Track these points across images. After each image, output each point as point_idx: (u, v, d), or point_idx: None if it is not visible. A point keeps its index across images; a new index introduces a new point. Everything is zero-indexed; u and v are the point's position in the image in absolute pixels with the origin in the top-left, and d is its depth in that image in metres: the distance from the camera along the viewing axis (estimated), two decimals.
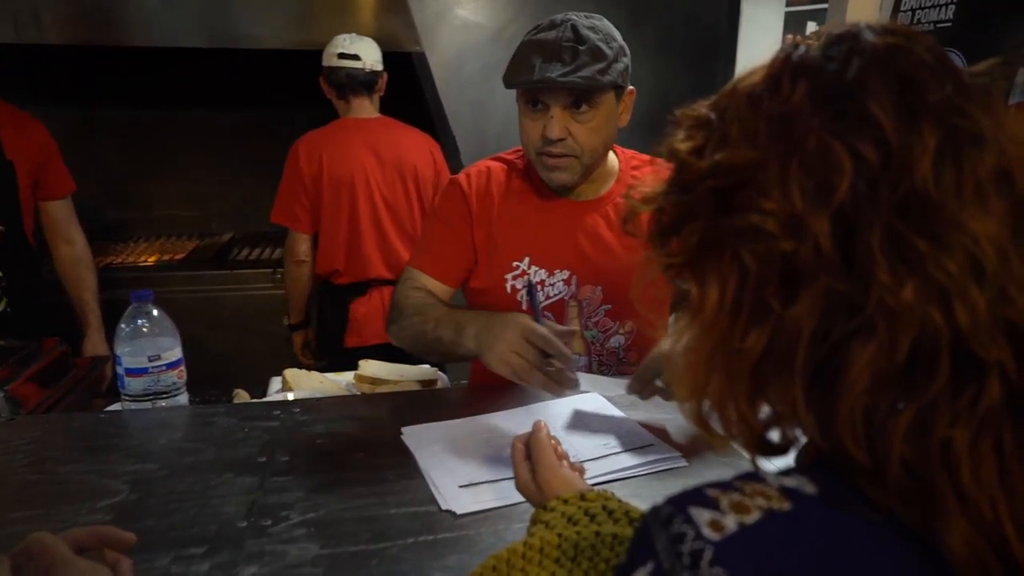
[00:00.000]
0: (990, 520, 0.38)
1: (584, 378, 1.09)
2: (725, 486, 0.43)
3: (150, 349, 1.21)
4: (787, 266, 0.44)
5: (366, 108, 2.17)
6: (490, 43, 2.51)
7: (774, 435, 0.49)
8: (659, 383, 1.06)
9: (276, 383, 1.53)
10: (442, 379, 1.46)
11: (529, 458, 0.76)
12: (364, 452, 1.00)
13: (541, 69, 1.14)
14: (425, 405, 1.18)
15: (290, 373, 1.53)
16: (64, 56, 2.52)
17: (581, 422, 1.09)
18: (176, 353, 1.24)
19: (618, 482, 0.93)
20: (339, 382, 1.53)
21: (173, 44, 2.33)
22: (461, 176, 1.34)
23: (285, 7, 2.37)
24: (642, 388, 1.07)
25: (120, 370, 1.21)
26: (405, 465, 0.96)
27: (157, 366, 1.21)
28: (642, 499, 0.87)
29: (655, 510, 0.43)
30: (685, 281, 0.51)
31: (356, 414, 1.13)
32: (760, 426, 0.48)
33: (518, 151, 1.36)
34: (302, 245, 2.16)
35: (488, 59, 2.49)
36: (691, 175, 0.49)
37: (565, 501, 0.67)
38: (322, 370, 1.65)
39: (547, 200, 1.31)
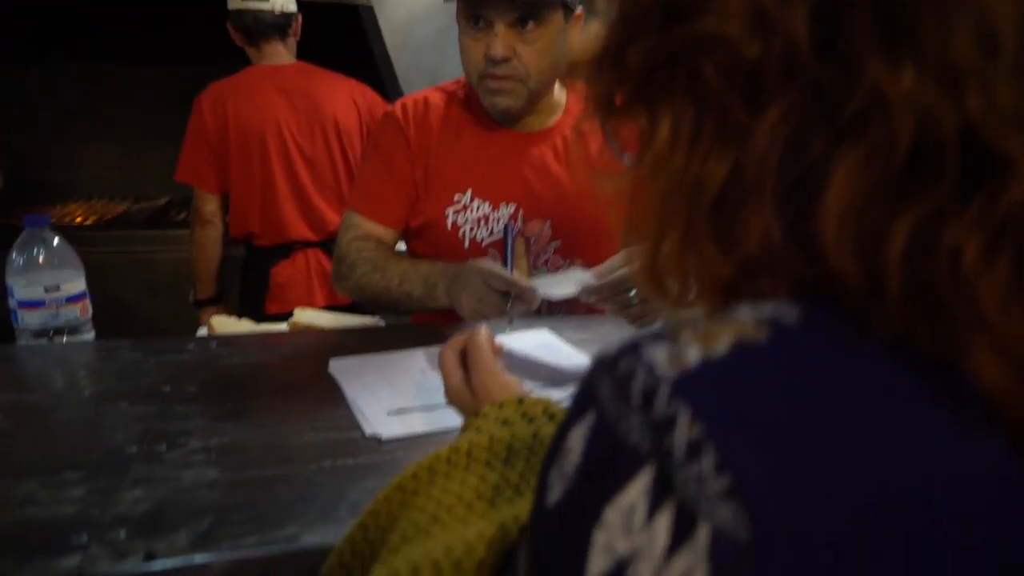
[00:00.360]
0: (1016, 337, 0.31)
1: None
2: (686, 323, 0.34)
3: (47, 279, 1.08)
4: (753, 74, 0.36)
5: (279, 54, 1.98)
6: (444, 5, 2.39)
7: (744, 286, 0.40)
8: (630, 297, 0.98)
9: (203, 331, 1.41)
10: (381, 326, 1.36)
11: (464, 365, 0.66)
12: (284, 383, 0.90)
13: None
14: (358, 341, 1.08)
15: (216, 320, 1.41)
16: None
17: (528, 361, 1.00)
18: (79, 285, 1.11)
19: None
20: (264, 326, 1.42)
21: None
22: (396, 107, 1.23)
23: None
24: (605, 295, 0.98)
25: (12, 303, 1.08)
26: (329, 395, 0.86)
27: (55, 298, 1.09)
28: None
29: (598, 357, 0.35)
30: (632, 117, 0.43)
31: (279, 350, 1.02)
32: (728, 271, 0.39)
33: (459, 81, 1.26)
34: (208, 205, 1.95)
35: (442, 23, 2.38)
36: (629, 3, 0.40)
37: (500, 406, 0.58)
38: None
39: (490, 131, 1.21)
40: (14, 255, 1.09)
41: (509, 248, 1.12)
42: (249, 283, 2.00)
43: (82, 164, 2.97)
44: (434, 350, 0.98)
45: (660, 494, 0.30)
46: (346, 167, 2.00)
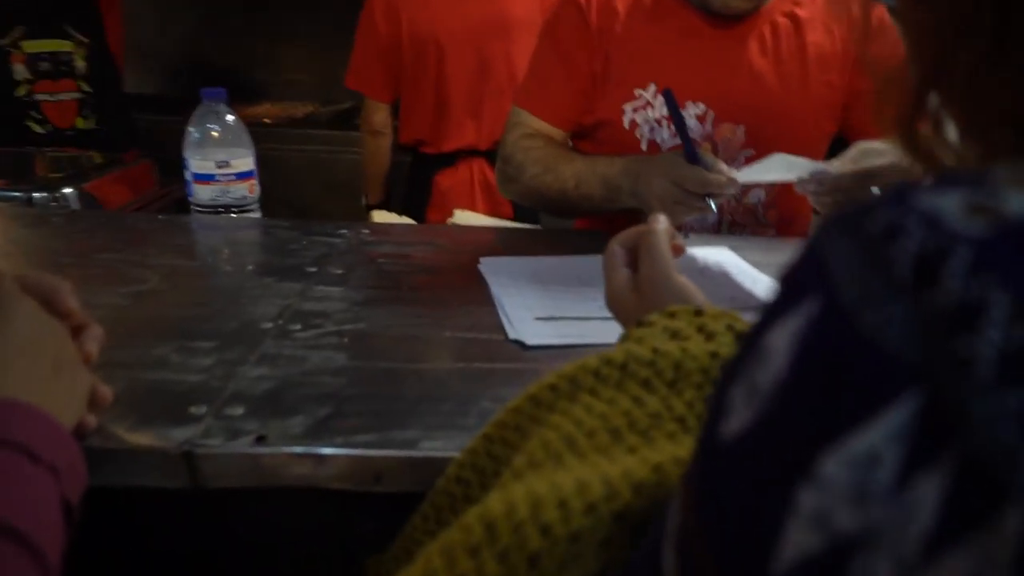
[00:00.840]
0: None
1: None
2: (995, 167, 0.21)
3: (219, 155, 1.08)
4: None
5: None
6: None
7: None
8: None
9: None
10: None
11: (633, 267, 0.54)
12: (430, 275, 0.83)
13: None
14: (517, 240, 0.99)
15: (379, 215, 1.39)
16: None
17: (702, 273, 0.86)
18: (248, 163, 1.11)
19: None
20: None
21: None
22: None
23: None
24: (841, 188, 0.83)
25: (188, 175, 1.10)
26: (475, 293, 0.78)
27: (226, 175, 1.09)
28: None
29: (828, 216, 0.22)
30: None
31: (433, 241, 0.95)
32: None
33: None
34: (379, 114, 1.89)
35: None
36: None
37: (671, 315, 0.46)
38: None
39: (685, 16, 1.03)
40: (191, 128, 1.10)
41: (680, 125, 0.96)
42: (414, 190, 1.96)
43: (272, 65, 3.10)
44: (593, 260, 0.88)
45: (932, 440, 0.17)
46: (524, 69, 1.88)
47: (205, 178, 1.09)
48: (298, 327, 0.67)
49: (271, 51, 3.07)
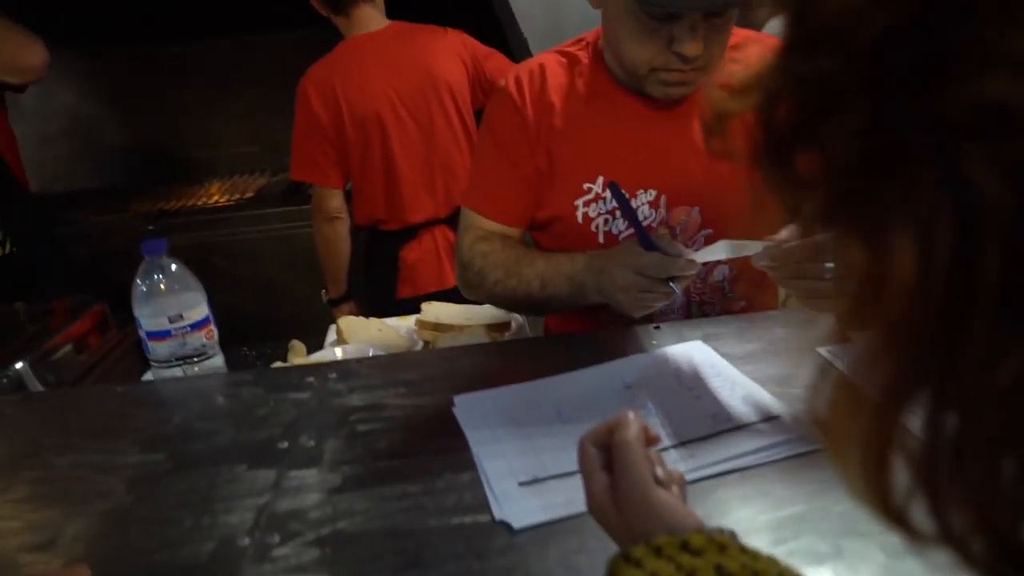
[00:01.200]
0: None
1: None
2: None
3: (171, 308, 1.05)
4: None
5: (370, 17, 1.77)
6: None
7: None
8: (824, 269, 0.79)
9: (333, 333, 1.36)
10: (516, 320, 1.24)
11: (609, 467, 0.52)
12: (406, 432, 0.81)
13: None
14: (487, 361, 0.97)
15: (344, 322, 1.36)
16: None
17: (680, 383, 0.85)
18: (201, 311, 1.08)
19: (734, 474, 0.69)
20: (399, 328, 1.34)
21: None
22: (510, 81, 1.06)
23: None
24: (795, 260, 0.81)
25: (142, 334, 1.06)
26: (454, 450, 0.76)
27: (180, 327, 1.05)
28: (770, 501, 0.65)
29: None
30: (836, 235, 0.27)
31: (402, 378, 0.93)
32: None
33: (581, 40, 1.07)
34: (332, 200, 1.81)
35: None
36: (832, 8, 0.24)
37: (657, 551, 0.44)
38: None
39: (622, 102, 1.02)
40: (138, 282, 1.07)
41: (631, 216, 0.95)
42: (377, 269, 1.92)
43: (212, 140, 3.04)
44: (568, 380, 0.86)
45: None
46: (465, 132, 1.84)
47: (160, 335, 1.05)
48: (276, 539, 0.65)
49: (208, 126, 3.02)
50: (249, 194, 2.70)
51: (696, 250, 0.91)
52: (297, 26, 2.72)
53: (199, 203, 2.66)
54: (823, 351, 0.86)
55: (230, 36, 2.82)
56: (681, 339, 0.95)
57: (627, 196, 0.99)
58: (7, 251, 1.66)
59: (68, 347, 1.18)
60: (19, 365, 1.10)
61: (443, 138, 1.83)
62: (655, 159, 1.01)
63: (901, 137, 0.22)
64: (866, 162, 0.24)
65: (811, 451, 0.71)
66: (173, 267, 1.07)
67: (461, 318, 1.30)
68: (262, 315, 2.49)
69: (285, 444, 0.80)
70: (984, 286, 0.21)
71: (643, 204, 1.02)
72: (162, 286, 1.06)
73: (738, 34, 1.01)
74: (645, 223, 1.02)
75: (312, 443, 0.80)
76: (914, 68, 0.22)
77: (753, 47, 1.03)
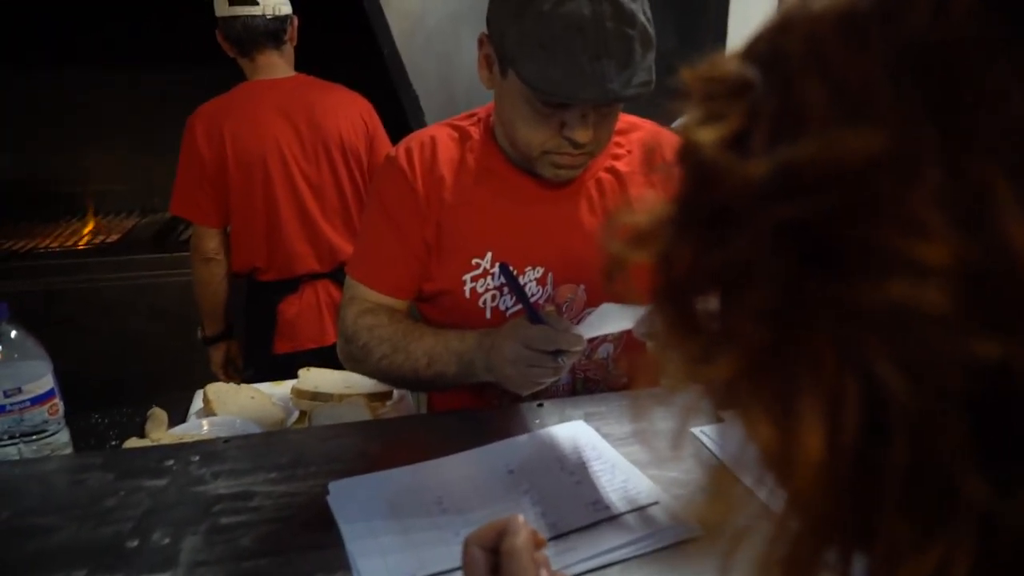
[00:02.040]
0: None
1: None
2: None
3: (7, 381, 0.94)
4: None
5: (275, 65, 1.76)
6: None
7: None
8: None
9: (199, 400, 1.27)
10: (396, 391, 1.21)
11: (494, 572, 0.50)
12: (275, 525, 0.75)
13: (591, 71, 0.84)
14: (366, 441, 0.93)
15: (213, 389, 1.27)
16: None
17: (562, 467, 0.84)
18: (45, 383, 0.97)
19: (615, 566, 0.69)
20: (272, 396, 1.27)
21: None
22: (400, 152, 1.05)
23: None
24: None
25: None
26: (328, 546, 0.71)
27: (18, 402, 0.94)
28: None
29: None
30: (731, 407, 0.27)
31: (274, 461, 0.87)
32: None
33: (473, 115, 1.08)
34: (210, 241, 1.77)
35: (454, 5, 2.18)
36: (732, 191, 0.24)
37: None
38: (249, 380, 1.39)
39: (511, 180, 1.03)
40: None
41: (520, 294, 0.97)
42: (255, 320, 1.84)
43: (81, 175, 2.84)
44: (449, 465, 0.84)
45: None
46: (354, 191, 1.82)
47: None
48: None
49: (78, 160, 2.81)
50: (114, 236, 2.52)
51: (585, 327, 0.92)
52: (186, 62, 2.62)
53: (53, 245, 2.45)
54: (698, 431, 0.89)
55: (114, 65, 2.65)
56: (564, 418, 0.95)
57: (515, 273, 1.00)
58: None
59: None
60: None
61: (331, 195, 1.80)
62: (543, 237, 1.02)
63: (806, 320, 0.22)
64: (770, 340, 0.24)
65: (691, 539, 0.72)
66: (13, 334, 0.96)
67: (340, 386, 1.24)
68: (120, 375, 2.30)
69: (135, 543, 0.72)
70: (892, 478, 0.21)
71: (531, 281, 1.03)
72: None
73: (624, 119, 1.05)
74: (533, 300, 1.02)
75: (167, 540, 0.72)
76: (818, 258, 0.22)
77: (637, 133, 1.08)
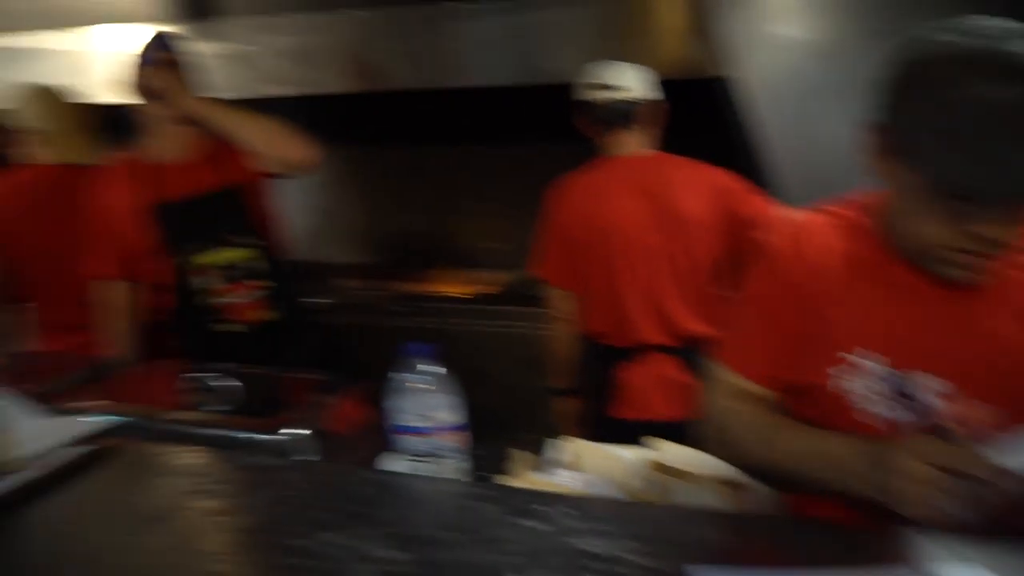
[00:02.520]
0: None
1: None
2: None
3: (423, 407, 1.13)
4: None
5: (632, 143, 1.88)
6: (813, 62, 2.12)
7: None
8: None
9: (555, 447, 1.37)
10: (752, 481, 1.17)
11: None
12: None
13: (1013, 163, 0.78)
14: (722, 532, 0.92)
15: (574, 445, 1.37)
16: (387, 100, 2.71)
17: None
18: (454, 416, 1.15)
19: None
20: (627, 459, 1.32)
21: (481, 83, 2.40)
22: (775, 238, 1.04)
23: (580, 41, 2.25)
24: None
25: (390, 424, 1.16)
26: None
27: (429, 427, 1.13)
28: None
29: None
30: None
31: (636, 531, 0.90)
32: None
33: (851, 202, 1.03)
34: (560, 302, 1.95)
35: (812, 81, 2.11)
36: None
37: None
38: (588, 438, 1.47)
39: (899, 274, 0.95)
40: (399, 375, 1.16)
41: (916, 405, 0.87)
42: (597, 382, 1.97)
43: (468, 233, 3.31)
44: None
45: None
46: (706, 267, 1.84)
47: (408, 429, 1.14)
48: None
49: (467, 220, 3.30)
50: (496, 288, 2.88)
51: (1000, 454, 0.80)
52: (561, 140, 2.94)
53: (441, 291, 2.89)
54: None
55: (503, 142, 3.10)
56: (959, 558, 0.82)
57: (903, 377, 0.92)
58: (272, 317, 1.94)
59: (329, 419, 1.33)
60: (304, 431, 1.24)
61: (680, 267, 1.84)
62: (937, 341, 0.92)
63: None
64: None
65: None
66: (433, 370, 1.16)
67: (695, 465, 1.25)
68: (479, 413, 2.59)
69: None
70: None
71: (922, 391, 0.93)
72: (419, 385, 1.14)
73: None
74: (926, 412, 0.92)
75: None
76: None
77: None
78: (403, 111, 2.90)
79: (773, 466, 0.97)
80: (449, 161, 3.23)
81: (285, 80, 2.61)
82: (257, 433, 1.24)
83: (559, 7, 2.34)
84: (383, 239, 3.34)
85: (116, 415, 1.23)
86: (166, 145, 1.91)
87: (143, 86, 1.85)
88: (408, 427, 1.14)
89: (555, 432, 1.37)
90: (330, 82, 2.56)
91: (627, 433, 1.34)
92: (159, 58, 1.84)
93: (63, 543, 0.92)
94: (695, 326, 1.80)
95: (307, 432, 1.25)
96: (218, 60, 2.59)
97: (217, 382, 1.44)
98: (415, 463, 1.15)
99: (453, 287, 2.97)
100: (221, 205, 1.88)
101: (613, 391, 1.91)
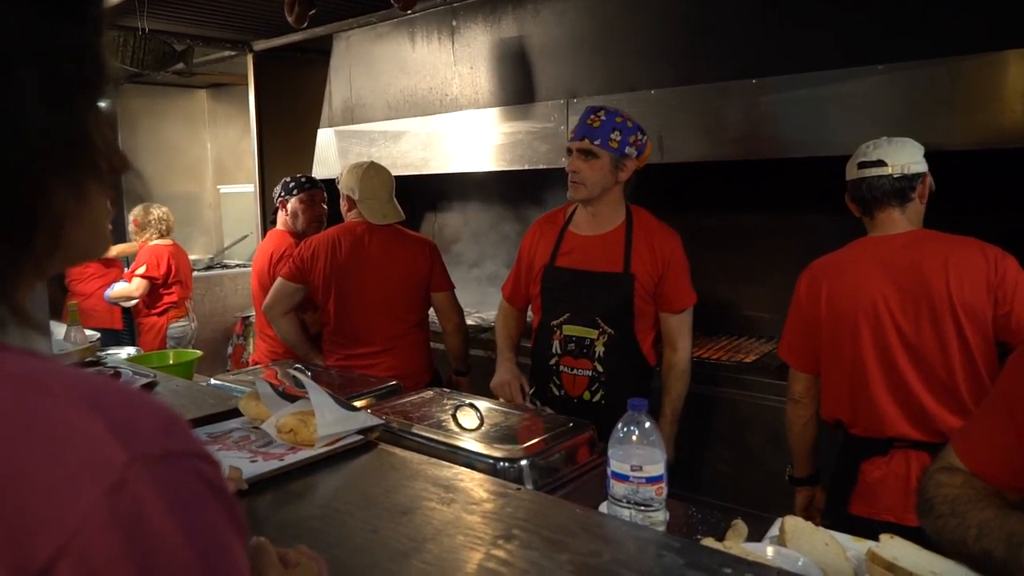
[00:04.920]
0: None
1: None
2: None
3: (635, 458, 1.22)
4: None
5: (893, 222, 1.74)
6: None
7: None
8: None
9: (776, 527, 1.35)
10: None
11: None
12: None
13: None
14: None
15: (792, 523, 1.33)
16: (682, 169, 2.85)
17: None
18: (658, 469, 1.22)
19: None
20: (849, 550, 1.25)
21: (778, 156, 2.40)
22: None
23: (872, 114, 2.16)
24: None
25: (608, 471, 1.25)
26: None
27: (637, 477, 1.21)
28: None
29: None
30: None
31: None
32: None
33: None
34: (798, 384, 1.86)
35: None
36: None
37: None
38: (830, 527, 1.39)
39: None
40: (619, 426, 1.27)
41: None
42: (839, 472, 1.82)
43: (749, 300, 3.28)
44: None
45: None
46: (964, 358, 1.61)
47: (620, 477, 1.23)
48: None
49: (734, 288, 3.28)
50: (750, 357, 2.82)
51: None
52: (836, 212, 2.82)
53: (702, 355, 2.90)
54: None
55: (779, 211, 3.06)
56: None
57: None
58: (590, 399, 2.08)
59: (561, 455, 1.46)
60: (523, 462, 1.40)
61: (933, 358, 1.65)
62: None
63: None
64: None
65: None
66: (647, 424, 1.24)
67: (924, 567, 1.15)
68: (725, 476, 2.56)
69: None
70: None
71: None
72: (633, 437, 1.23)
73: None
74: None
75: None
76: None
77: None
78: (692, 180, 3.03)
79: (958, 539, 0.91)
80: (724, 228, 3.27)
81: None
82: (487, 458, 1.42)
83: (869, 77, 2.30)
84: None
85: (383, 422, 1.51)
86: (582, 217, 2.11)
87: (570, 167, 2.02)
88: (619, 474, 1.23)
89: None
90: None
91: (866, 534, 1.26)
92: (578, 147, 1.99)
93: (327, 511, 1.18)
94: (952, 421, 1.61)
95: (526, 463, 1.40)
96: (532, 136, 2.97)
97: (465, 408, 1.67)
98: (622, 507, 1.23)
99: (711, 352, 2.96)
100: (603, 285, 2.03)
101: (855, 485, 1.76)
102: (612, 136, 1.95)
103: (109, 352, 2.59)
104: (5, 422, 0.35)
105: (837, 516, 1.77)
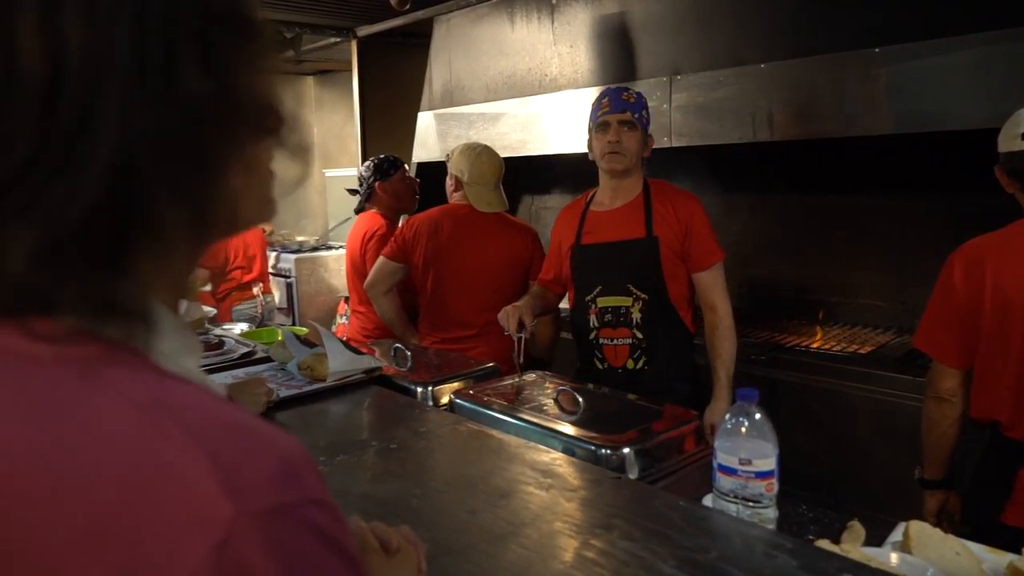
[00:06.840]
0: None
1: None
2: None
3: (743, 451, 1.15)
4: None
5: None
6: None
7: None
8: None
9: (899, 532, 1.25)
10: None
11: None
12: None
13: None
14: None
15: (917, 528, 1.23)
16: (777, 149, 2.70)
17: None
18: (769, 463, 1.15)
19: None
20: (984, 562, 1.15)
21: (869, 133, 2.25)
22: None
23: (978, 85, 1.95)
24: None
25: (715, 463, 1.19)
26: None
27: (746, 471, 1.15)
28: None
29: None
30: None
31: None
32: None
33: None
34: (946, 380, 1.67)
35: None
36: None
37: None
38: (964, 536, 1.28)
39: None
40: (727, 418, 1.20)
41: None
42: (987, 477, 1.65)
43: (846, 289, 3.08)
44: None
45: None
46: None
47: (728, 470, 1.17)
48: None
49: (846, 274, 3.08)
50: (866, 348, 2.65)
51: None
52: (949, 191, 2.59)
53: (811, 345, 2.74)
54: None
55: (886, 193, 2.86)
56: None
57: None
58: (635, 367, 2.10)
59: (664, 444, 1.41)
60: (626, 450, 1.36)
61: None
62: None
63: None
64: None
65: None
66: (757, 416, 1.17)
67: None
68: (836, 474, 2.41)
69: None
70: None
71: None
72: (743, 429, 1.17)
73: None
74: None
75: None
76: None
77: None
78: (802, 158, 2.89)
79: None
80: (835, 210, 3.08)
81: (691, 132, 2.84)
82: (588, 444, 1.39)
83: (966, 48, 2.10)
84: (752, 285, 3.31)
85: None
86: (603, 195, 2.20)
87: (599, 142, 2.11)
88: (726, 467, 1.17)
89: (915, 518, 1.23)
90: (724, 133, 2.72)
91: (1015, 545, 1.14)
92: (619, 119, 2.09)
93: (426, 491, 1.18)
94: None
95: (629, 451, 1.36)
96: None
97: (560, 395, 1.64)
98: (728, 502, 1.17)
99: (819, 341, 2.80)
100: (630, 252, 2.11)
101: (1004, 493, 1.61)
102: (643, 113, 2.12)
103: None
104: (118, 467, 0.34)
105: (984, 525, 1.61)
